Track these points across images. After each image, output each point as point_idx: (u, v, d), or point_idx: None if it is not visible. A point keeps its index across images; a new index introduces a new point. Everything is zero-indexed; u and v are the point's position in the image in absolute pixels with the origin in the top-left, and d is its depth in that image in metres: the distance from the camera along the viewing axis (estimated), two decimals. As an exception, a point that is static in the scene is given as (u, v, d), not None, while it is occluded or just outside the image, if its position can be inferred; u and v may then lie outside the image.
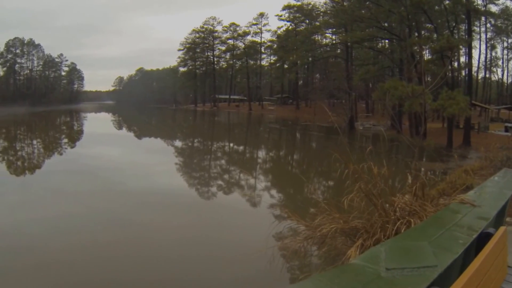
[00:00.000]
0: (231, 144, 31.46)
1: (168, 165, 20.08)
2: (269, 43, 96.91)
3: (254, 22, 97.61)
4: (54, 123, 64.70)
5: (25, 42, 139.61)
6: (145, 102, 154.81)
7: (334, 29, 58.80)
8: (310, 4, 71.46)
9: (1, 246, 8.48)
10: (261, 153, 26.31)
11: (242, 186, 15.29)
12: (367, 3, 37.56)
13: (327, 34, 67.67)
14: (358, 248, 5.00)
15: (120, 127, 54.36)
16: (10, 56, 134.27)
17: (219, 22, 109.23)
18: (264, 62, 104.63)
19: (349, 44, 46.09)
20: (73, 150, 28.34)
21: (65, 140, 35.77)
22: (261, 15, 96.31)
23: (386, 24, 37.70)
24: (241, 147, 29.84)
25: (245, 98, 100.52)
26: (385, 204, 5.57)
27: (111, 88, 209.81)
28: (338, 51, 57.87)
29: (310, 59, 61.75)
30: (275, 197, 13.37)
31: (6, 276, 7.11)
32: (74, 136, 39.76)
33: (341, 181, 6.05)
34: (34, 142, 35.44)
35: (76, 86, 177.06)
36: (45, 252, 8.30)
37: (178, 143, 32.12)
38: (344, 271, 2.91)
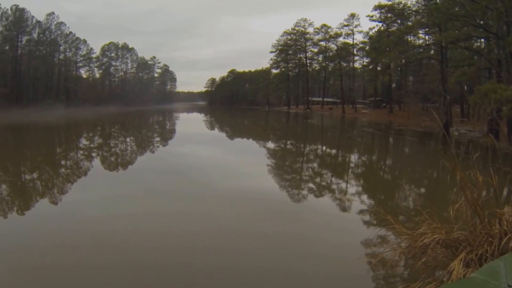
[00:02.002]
0: (324, 147, 31.15)
1: (260, 166, 20.14)
2: (361, 45, 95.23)
3: (346, 23, 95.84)
4: (146, 122, 66.96)
5: (120, 46, 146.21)
6: (237, 104, 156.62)
7: (427, 29, 56.97)
8: (401, 3, 68.93)
9: (100, 243, 8.89)
10: (354, 157, 25.81)
11: (333, 190, 14.97)
12: (462, -1, 35.75)
13: (420, 35, 65.34)
14: (461, 261, 4.72)
15: (212, 127, 55.36)
16: (105, 59, 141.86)
17: (310, 24, 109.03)
18: (357, 64, 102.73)
19: (443, 44, 44.04)
20: (164, 149, 29.18)
21: (157, 139, 36.91)
22: (352, 16, 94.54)
23: (482, 22, 35.68)
24: (334, 150, 29.47)
25: (338, 100, 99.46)
26: (491, 216, 5.24)
27: (203, 89, 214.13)
28: (432, 52, 55.70)
29: (403, 61, 60.01)
30: (368, 203, 12.90)
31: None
32: (166, 135, 40.90)
33: (441, 188, 5.79)
34: (128, 140, 36.84)
35: (168, 87, 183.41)
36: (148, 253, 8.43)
37: (271, 145, 32.22)
38: (466, 285, 2.70)
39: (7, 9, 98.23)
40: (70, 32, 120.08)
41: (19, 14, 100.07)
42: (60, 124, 61.49)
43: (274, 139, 37.48)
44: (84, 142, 35.45)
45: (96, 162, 23.00)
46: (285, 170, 20.34)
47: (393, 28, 72.87)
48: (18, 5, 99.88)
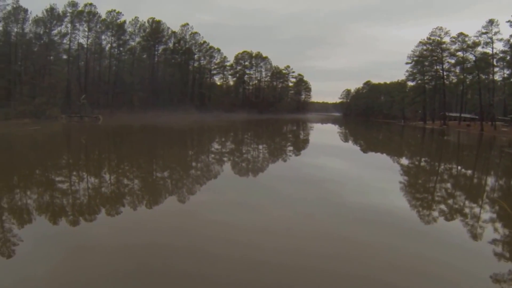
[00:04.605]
0: (459, 167, 29.67)
1: (390, 183, 19.68)
2: (501, 55, 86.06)
3: (484, 30, 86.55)
4: (280, 130, 67.94)
5: (253, 55, 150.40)
6: (372, 116, 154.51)
7: None
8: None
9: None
10: (491, 181, 24.25)
11: (465, 214, 14.15)
12: None
13: None
14: None
15: (346, 140, 54.98)
16: (239, 67, 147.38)
17: (446, 33, 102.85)
18: (497, 77, 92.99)
19: None
20: (297, 158, 29.43)
21: (290, 148, 37.33)
22: (491, 22, 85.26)
23: None
24: (469, 171, 27.94)
25: (476, 117, 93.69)
26: None
27: (338, 100, 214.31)
28: None
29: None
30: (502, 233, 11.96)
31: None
32: (300, 145, 41.24)
33: None
34: (260, 147, 37.66)
35: (303, 96, 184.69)
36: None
37: (404, 161, 31.34)
38: None
39: (145, 22, 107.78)
40: (204, 41, 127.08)
41: (156, 26, 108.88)
42: (193, 128, 64.69)
43: (408, 155, 36.41)
44: (216, 146, 36.93)
45: (227, 166, 23.95)
46: (417, 189, 19.66)
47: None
48: (154, 18, 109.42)
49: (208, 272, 8.02)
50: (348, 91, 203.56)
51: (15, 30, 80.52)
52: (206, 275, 7.89)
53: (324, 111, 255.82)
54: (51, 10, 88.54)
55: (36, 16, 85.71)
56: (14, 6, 78.15)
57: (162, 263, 8.47)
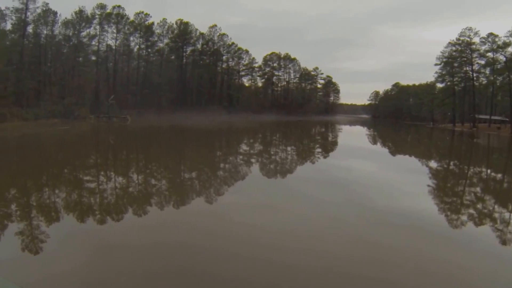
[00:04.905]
0: (488, 170, 29.17)
1: (419, 186, 19.48)
2: None
3: None
4: (309, 132, 67.89)
5: (282, 56, 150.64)
6: (401, 118, 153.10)
7: None
8: None
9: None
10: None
11: (495, 219, 13.80)
12: None
13: None
14: None
15: (374, 142, 54.62)
16: (268, 69, 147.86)
17: (476, 33, 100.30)
18: None
19: None
20: (325, 160, 29.36)
21: (318, 150, 37.28)
22: None
23: None
24: (499, 175, 27.46)
25: (506, 119, 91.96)
26: None
27: (366, 102, 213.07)
28: None
29: None
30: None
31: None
32: (328, 147, 41.13)
33: None
34: (288, 148, 37.68)
35: (332, 98, 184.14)
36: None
37: (433, 164, 30.94)
38: None
39: (173, 23, 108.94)
40: (233, 43, 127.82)
41: (184, 27, 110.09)
42: (221, 129, 65.07)
43: (437, 158, 35.95)
44: (244, 147, 37.06)
45: (255, 167, 24.04)
46: (446, 192, 19.41)
47: None
48: (182, 19, 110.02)
49: (233, 274, 8.12)
50: (376, 93, 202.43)
51: (45, 32, 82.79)
52: (232, 277, 7.98)
53: (353, 113, 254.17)
54: (80, 13, 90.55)
55: (65, 18, 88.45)
56: (44, 9, 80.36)
57: (189, 263, 8.60)
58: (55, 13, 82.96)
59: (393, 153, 40.34)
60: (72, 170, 22.17)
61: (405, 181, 21.39)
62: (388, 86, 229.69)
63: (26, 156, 27.78)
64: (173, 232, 10.93)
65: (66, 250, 9.24)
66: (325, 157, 31.72)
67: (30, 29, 79.68)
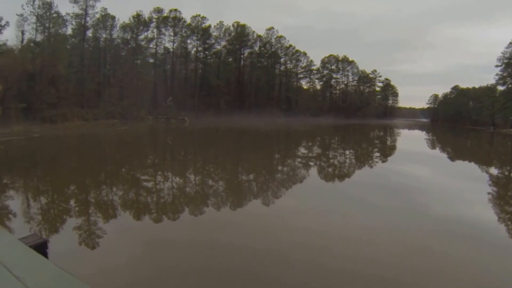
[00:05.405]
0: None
1: (478, 194, 18.57)
2: None
3: None
4: (367, 136, 67.10)
5: (340, 58, 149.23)
6: (460, 123, 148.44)
7: None
8: None
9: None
10: None
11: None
12: None
13: None
14: None
15: (433, 147, 53.22)
16: (326, 71, 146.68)
17: None
18: None
19: None
20: (383, 165, 28.72)
21: (377, 154, 36.59)
22: None
23: None
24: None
25: None
26: None
27: (425, 106, 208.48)
28: None
29: None
30: None
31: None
32: (387, 151, 40.33)
33: None
34: (346, 152, 37.17)
35: (390, 101, 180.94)
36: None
37: (493, 171, 29.68)
38: None
39: (230, 26, 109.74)
40: (290, 45, 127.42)
41: (241, 30, 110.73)
42: (280, 131, 65.01)
43: (498, 165, 34.48)
44: (302, 150, 36.80)
45: (312, 171, 23.72)
46: (507, 201, 18.47)
47: None
48: (239, 22, 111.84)
49: (283, 277, 7.91)
50: (435, 96, 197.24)
51: (104, 36, 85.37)
52: (281, 280, 7.79)
53: (411, 116, 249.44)
54: (138, 17, 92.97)
55: (124, 22, 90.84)
56: (103, 14, 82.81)
57: (239, 263, 8.56)
58: (113, 18, 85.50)
59: (452, 158, 39.08)
60: (130, 169, 22.49)
61: (464, 188, 20.28)
62: (447, 89, 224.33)
63: (86, 155, 28.47)
64: (224, 232, 10.84)
65: (121, 245, 9.45)
66: (383, 162, 30.96)
67: (89, 33, 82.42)
